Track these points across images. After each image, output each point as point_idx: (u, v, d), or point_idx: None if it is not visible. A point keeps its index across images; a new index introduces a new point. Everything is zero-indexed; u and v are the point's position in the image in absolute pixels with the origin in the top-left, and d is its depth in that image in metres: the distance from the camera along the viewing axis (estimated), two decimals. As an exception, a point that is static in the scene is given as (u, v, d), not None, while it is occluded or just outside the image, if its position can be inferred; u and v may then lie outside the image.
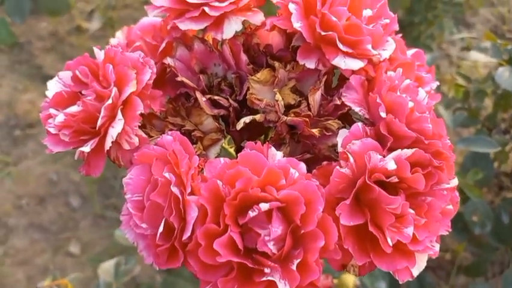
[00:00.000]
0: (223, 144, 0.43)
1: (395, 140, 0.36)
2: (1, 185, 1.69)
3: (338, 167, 0.33)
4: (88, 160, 0.40)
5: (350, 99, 0.37)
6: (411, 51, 0.47)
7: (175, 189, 0.33)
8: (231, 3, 0.40)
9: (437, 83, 0.45)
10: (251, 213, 0.32)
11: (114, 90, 0.38)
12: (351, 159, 0.33)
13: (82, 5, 2.29)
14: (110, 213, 1.57)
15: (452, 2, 1.76)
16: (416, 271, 0.36)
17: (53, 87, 0.42)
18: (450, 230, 0.37)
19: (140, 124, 0.42)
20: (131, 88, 0.38)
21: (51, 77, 0.43)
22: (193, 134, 0.40)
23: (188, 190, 0.33)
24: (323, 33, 0.36)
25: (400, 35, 0.46)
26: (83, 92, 0.39)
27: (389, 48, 0.40)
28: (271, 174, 0.33)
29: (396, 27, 0.41)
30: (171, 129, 0.41)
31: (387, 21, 0.40)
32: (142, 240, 0.35)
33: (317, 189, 0.32)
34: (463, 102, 0.97)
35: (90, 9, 2.14)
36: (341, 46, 0.36)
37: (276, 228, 0.32)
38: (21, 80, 1.85)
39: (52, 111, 0.40)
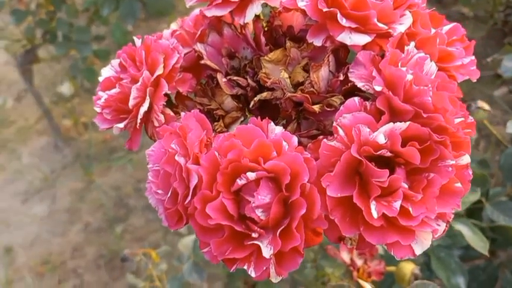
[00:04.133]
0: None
1: (395, 115, 0.35)
2: (124, 170, 1.90)
3: (324, 140, 0.34)
4: (131, 136, 0.46)
5: (357, 75, 0.37)
6: (448, 26, 0.45)
7: (179, 159, 0.37)
8: (250, -12, 0.42)
9: (472, 57, 0.42)
10: (239, 181, 0.34)
11: (144, 73, 0.43)
12: (341, 132, 0.34)
13: (198, 6, 2.45)
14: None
15: None
16: (418, 249, 0.35)
17: (106, 73, 0.48)
18: (459, 208, 0.35)
19: (175, 104, 0.47)
20: (158, 71, 0.43)
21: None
22: (215, 112, 0.44)
23: (190, 160, 0.36)
24: (324, 9, 0.37)
25: (433, 8, 0.44)
26: (121, 76, 0.45)
27: (405, 22, 0.39)
28: (262, 146, 0.35)
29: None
30: (198, 109, 0.45)
31: (404, -6, 0.39)
32: (161, 204, 0.40)
33: (303, 161, 0.33)
34: None
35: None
36: (343, 21, 0.37)
37: (264, 196, 0.34)
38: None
39: (100, 93, 0.46)
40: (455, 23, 0.45)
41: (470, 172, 0.36)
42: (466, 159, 0.35)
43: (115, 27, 1.33)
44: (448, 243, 0.79)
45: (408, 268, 0.62)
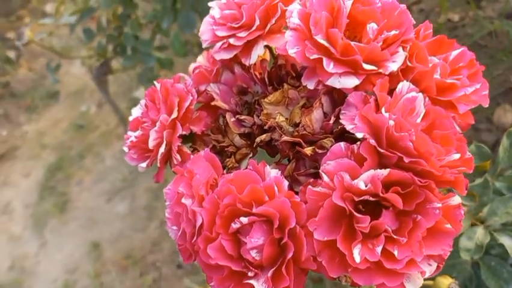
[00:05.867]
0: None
1: (382, 157, 0.36)
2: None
3: (310, 186, 0.36)
4: (158, 171, 0.51)
5: (348, 116, 0.39)
6: (456, 51, 0.44)
7: (185, 201, 0.41)
8: (252, 32, 0.45)
9: (477, 85, 0.41)
10: (233, 225, 0.37)
11: (161, 116, 0.47)
12: (326, 179, 0.36)
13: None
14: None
15: None
16: (411, 287, 0.36)
17: (135, 113, 0.53)
18: (450, 249, 0.35)
19: (195, 140, 0.51)
20: (174, 114, 0.47)
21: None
22: (226, 149, 0.47)
23: (195, 202, 0.40)
24: (311, 57, 0.38)
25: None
26: (143, 119, 0.49)
27: (398, 60, 0.39)
28: (254, 191, 0.37)
29: (413, 34, 0.40)
30: (213, 145, 0.48)
31: (395, 32, 0.39)
32: (175, 240, 0.44)
33: (290, 206, 0.36)
34: None
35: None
36: (330, 68, 0.38)
37: (257, 238, 0.37)
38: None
39: (130, 133, 0.51)
40: (462, 48, 0.44)
41: (462, 212, 0.36)
42: (456, 199, 0.35)
43: (174, 38, 1.41)
44: (498, 251, 0.76)
45: (445, 283, 0.61)
